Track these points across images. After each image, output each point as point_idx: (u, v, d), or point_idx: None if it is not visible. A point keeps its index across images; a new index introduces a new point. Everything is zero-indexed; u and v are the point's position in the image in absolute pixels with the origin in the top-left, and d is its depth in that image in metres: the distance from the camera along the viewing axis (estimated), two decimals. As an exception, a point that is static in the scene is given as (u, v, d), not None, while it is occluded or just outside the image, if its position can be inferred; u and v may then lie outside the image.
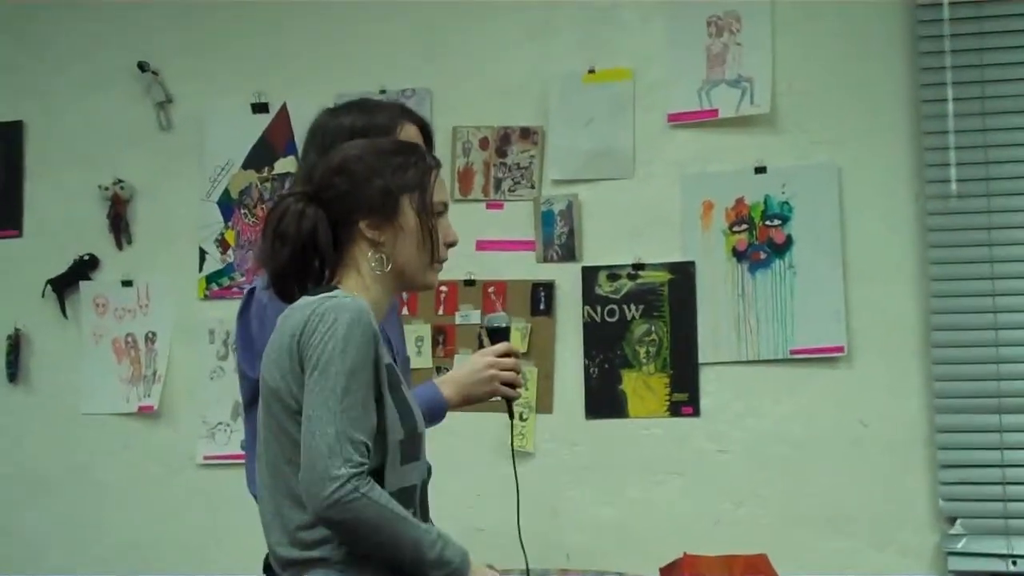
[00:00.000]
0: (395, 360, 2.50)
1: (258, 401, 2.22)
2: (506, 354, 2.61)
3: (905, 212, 4.04)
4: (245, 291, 2.60)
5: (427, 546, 2.09)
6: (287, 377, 2.11)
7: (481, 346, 2.66)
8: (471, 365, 2.61)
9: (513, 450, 2.75)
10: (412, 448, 2.18)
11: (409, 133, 2.59)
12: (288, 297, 2.19)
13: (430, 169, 2.27)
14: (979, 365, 3.93)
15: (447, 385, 2.60)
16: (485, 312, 4.23)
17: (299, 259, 2.18)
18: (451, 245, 2.32)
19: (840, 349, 4.02)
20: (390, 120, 2.59)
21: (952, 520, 3.90)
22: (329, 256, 2.21)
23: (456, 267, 4.13)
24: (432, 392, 2.57)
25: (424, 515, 2.24)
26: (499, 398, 2.61)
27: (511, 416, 2.64)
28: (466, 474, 4.11)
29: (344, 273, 2.23)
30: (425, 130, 2.66)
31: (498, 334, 2.64)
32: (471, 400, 2.61)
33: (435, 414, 2.57)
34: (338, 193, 2.20)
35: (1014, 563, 3.83)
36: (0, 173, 4.71)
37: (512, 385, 2.60)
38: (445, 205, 2.30)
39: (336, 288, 2.18)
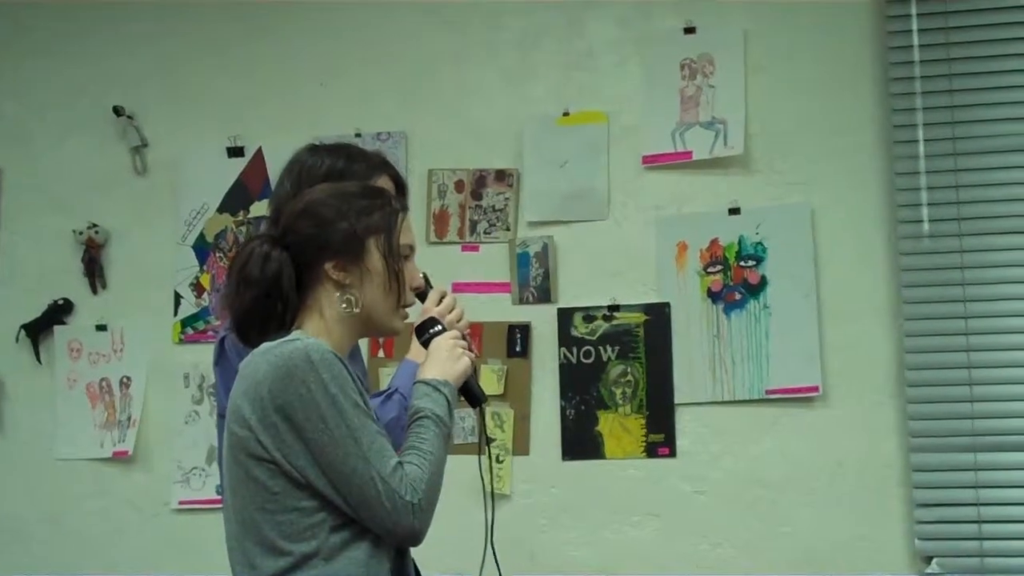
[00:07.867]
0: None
1: None
2: (441, 299, 2.56)
3: (878, 252, 4.06)
4: (217, 339, 2.57)
5: (446, 437, 2.23)
6: (255, 427, 2.09)
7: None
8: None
9: (482, 465, 2.61)
10: None
11: (383, 185, 2.59)
12: (250, 341, 2.18)
13: (396, 212, 2.27)
14: (953, 404, 3.93)
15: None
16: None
17: (263, 303, 2.18)
18: (416, 290, 2.30)
19: (815, 389, 4.03)
20: (367, 169, 2.60)
21: (928, 559, 3.90)
22: (292, 300, 2.20)
23: (431, 309, 4.13)
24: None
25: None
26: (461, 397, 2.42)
27: (475, 405, 2.45)
28: (442, 517, 4.07)
29: (306, 316, 2.22)
30: (399, 184, 2.66)
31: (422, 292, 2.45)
32: None
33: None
34: (304, 236, 2.20)
35: (990, 601, 3.84)
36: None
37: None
38: (411, 248, 2.30)
39: (296, 331, 2.17)
